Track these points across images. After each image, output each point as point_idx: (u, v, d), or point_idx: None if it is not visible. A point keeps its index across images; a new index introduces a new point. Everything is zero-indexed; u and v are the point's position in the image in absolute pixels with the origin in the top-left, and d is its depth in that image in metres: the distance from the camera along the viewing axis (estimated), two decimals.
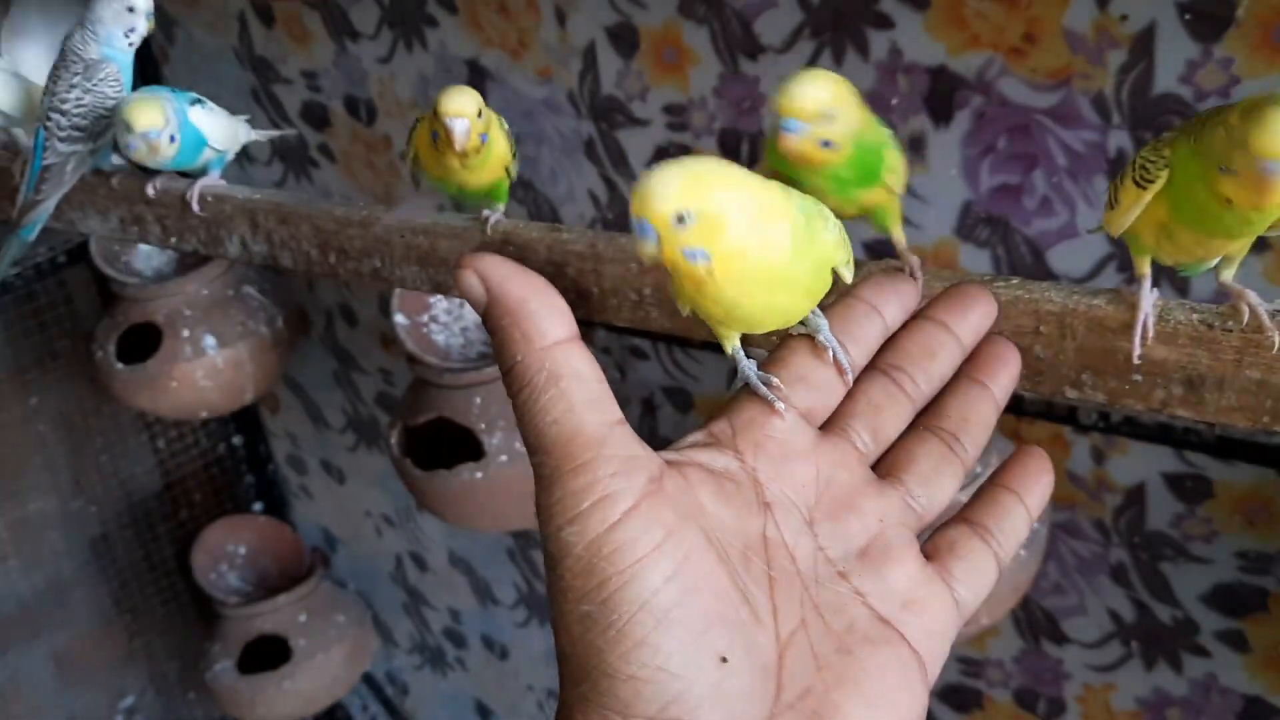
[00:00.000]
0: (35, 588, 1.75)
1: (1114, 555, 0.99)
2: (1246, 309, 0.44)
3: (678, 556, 0.33)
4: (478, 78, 1.16)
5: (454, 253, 0.70)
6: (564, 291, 0.37)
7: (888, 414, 0.41)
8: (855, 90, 0.49)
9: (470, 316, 1.30)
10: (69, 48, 0.82)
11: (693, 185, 0.37)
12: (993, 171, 0.89)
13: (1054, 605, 1.05)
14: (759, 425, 0.39)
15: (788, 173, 0.50)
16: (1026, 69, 0.83)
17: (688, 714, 0.32)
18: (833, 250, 0.40)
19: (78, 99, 0.82)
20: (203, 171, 0.83)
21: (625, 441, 0.35)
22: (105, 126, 0.83)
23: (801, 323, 0.41)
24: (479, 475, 1.17)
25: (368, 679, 1.89)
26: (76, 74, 0.82)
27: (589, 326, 0.83)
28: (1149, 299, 0.45)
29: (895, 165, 0.53)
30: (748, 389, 0.40)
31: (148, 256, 1.54)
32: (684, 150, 1.05)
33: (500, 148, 0.67)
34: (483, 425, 1.17)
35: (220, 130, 0.82)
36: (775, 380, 0.40)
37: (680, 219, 0.36)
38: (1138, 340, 0.45)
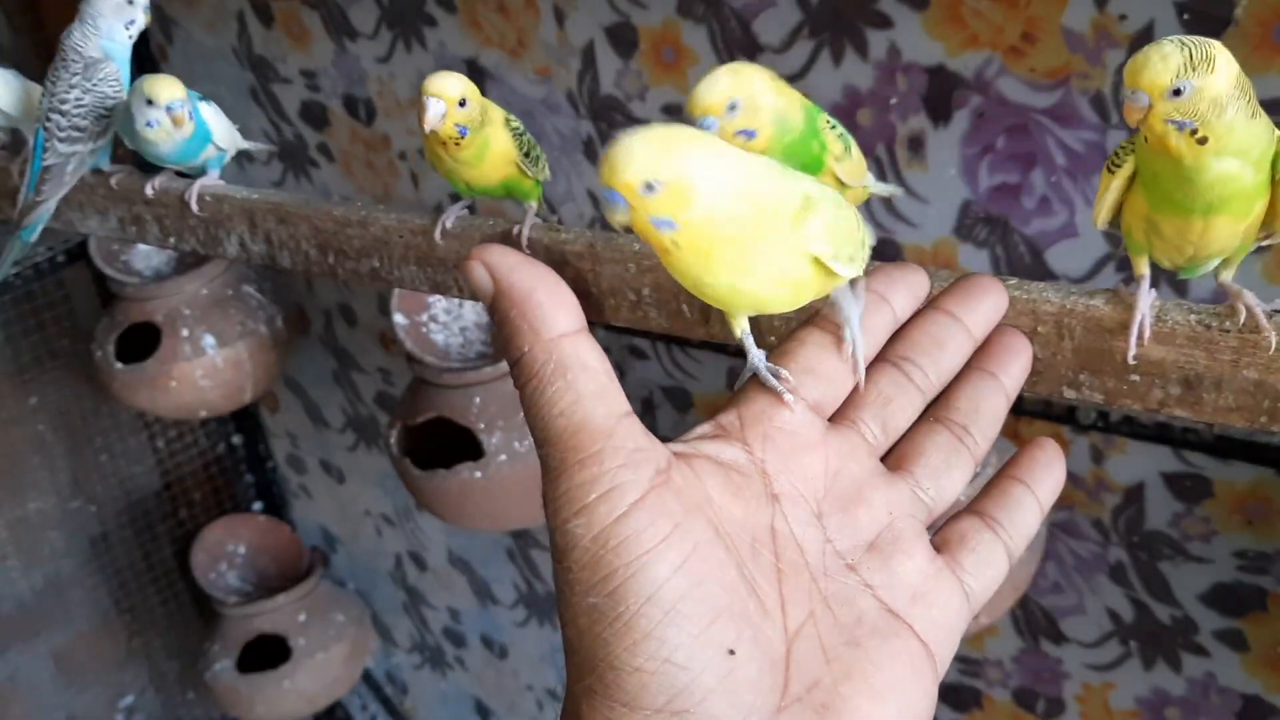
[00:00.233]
0: (35, 587, 1.75)
1: (1113, 555, 0.99)
2: (1244, 309, 0.44)
3: (685, 548, 0.33)
4: (477, 77, 1.16)
5: (452, 253, 0.70)
6: None
7: (897, 405, 0.41)
8: (775, 78, 0.49)
9: (469, 316, 1.30)
10: (68, 46, 0.82)
11: (662, 152, 0.36)
12: (991, 171, 0.89)
13: (1053, 605, 1.05)
14: (767, 417, 0.39)
15: None
16: (1025, 68, 0.83)
17: (695, 706, 0.32)
18: (814, 239, 0.38)
19: (77, 99, 0.82)
20: (201, 171, 0.83)
21: (632, 433, 0.35)
22: (105, 126, 0.83)
23: (831, 307, 0.41)
24: (478, 475, 1.17)
25: (367, 678, 1.89)
26: (76, 73, 0.82)
27: (588, 326, 0.82)
28: (1146, 299, 0.45)
29: (839, 150, 0.53)
30: (756, 380, 0.40)
31: (147, 256, 1.54)
32: None
33: (501, 145, 0.67)
34: (482, 425, 1.17)
35: (222, 128, 0.82)
36: (784, 372, 0.40)
37: (649, 187, 0.36)
38: (1133, 340, 0.45)
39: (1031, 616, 1.07)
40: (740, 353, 0.42)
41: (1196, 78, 0.40)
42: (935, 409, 0.42)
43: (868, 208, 0.90)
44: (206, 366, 1.43)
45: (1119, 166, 0.46)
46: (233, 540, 1.81)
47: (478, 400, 1.18)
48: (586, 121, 1.10)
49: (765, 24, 0.94)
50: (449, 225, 0.69)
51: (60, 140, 0.83)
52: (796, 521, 0.37)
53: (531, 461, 1.18)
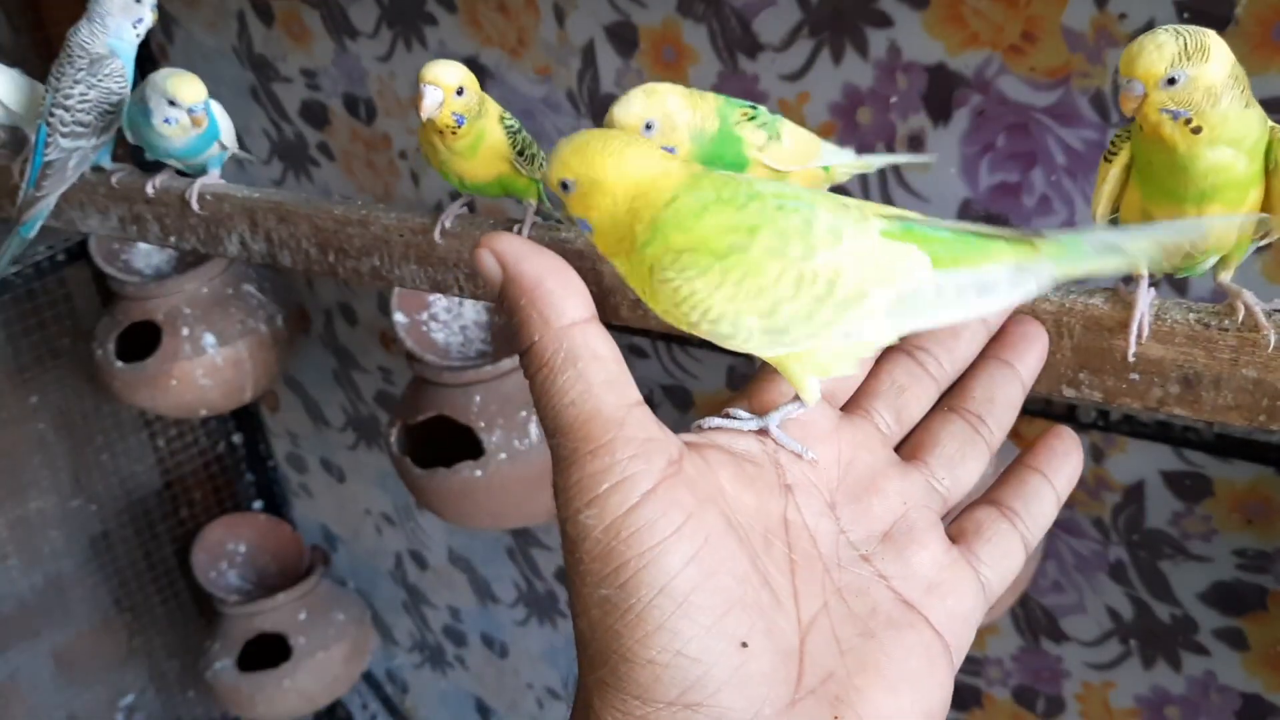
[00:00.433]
0: (35, 586, 1.75)
1: (1113, 553, 0.99)
2: (1242, 308, 0.44)
3: (697, 540, 0.33)
4: (477, 76, 1.16)
5: (452, 252, 0.70)
6: None
7: (911, 395, 0.41)
8: (688, 92, 0.50)
9: (470, 315, 1.30)
10: (74, 43, 0.82)
11: (576, 154, 0.37)
12: (992, 170, 0.89)
13: (1053, 603, 1.05)
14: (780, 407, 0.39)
15: None
16: (1025, 67, 0.83)
17: (707, 699, 0.32)
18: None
19: (82, 94, 0.82)
20: (202, 169, 0.83)
21: (644, 423, 0.34)
22: (109, 122, 0.83)
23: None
24: (478, 473, 1.17)
25: (368, 677, 1.89)
26: (81, 69, 0.82)
27: None
28: (1145, 298, 0.46)
29: (761, 140, 0.53)
30: (769, 369, 0.40)
31: (147, 255, 1.54)
32: None
33: (494, 139, 0.67)
34: (482, 423, 1.17)
35: (227, 127, 0.83)
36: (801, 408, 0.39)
37: (564, 186, 0.37)
38: (1132, 339, 0.45)
39: (1031, 615, 1.07)
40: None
41: (1191, 67, 0.40)
42: (950, 398, 0.42)
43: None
44: (207, 365, 1.43)
45: (1115, 155, 0.47)
46: (233, 539, 1.81)
47: (478, 399, 1.18)
48: (587, 121, 1.10)
49: (765, 23, 0.94)
50: (448, 225, 0.69)
51: (63, 135, 0.83)
52: (810, 512, 0.37)
53: (531, 460, 1.18)
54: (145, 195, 0.85)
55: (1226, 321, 0.44)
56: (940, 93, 0.88)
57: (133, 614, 1.86)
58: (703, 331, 0.38)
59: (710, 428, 0.39)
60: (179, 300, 1.43)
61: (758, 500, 0.36)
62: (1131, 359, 0.46)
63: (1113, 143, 0.47)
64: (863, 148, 0.94)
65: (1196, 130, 0.42)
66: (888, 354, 0.41)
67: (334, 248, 0.75)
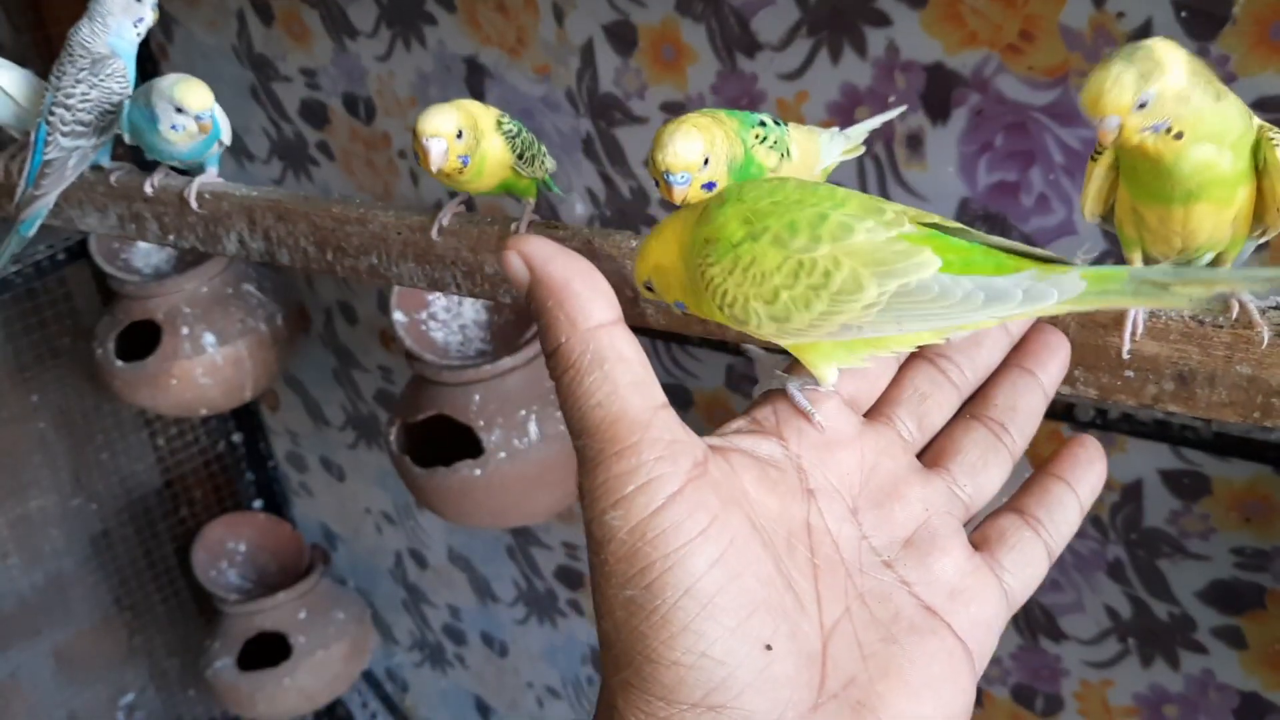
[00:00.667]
0: (36, 585, 1.76)
1: (1111, 552, 0.99)
2: (1237, 305, 0.44)
3: (722, 542, 0.33)
4: (476, 76, 1.16)
5: (450, 250, 0.70)
6: None
7: (933, 402, 0.41)
8: (719, 119, 0.51)
9: (469, 314, 1.30)
10: (75, 42, 0.82)
11: (639, 260, 0.44)
12: (990, 169, 0.89)
13: (1051, 602, 1.05)
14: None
15: None
16: (1023, 66, 0.83)
17: (731, 701, 0.32)
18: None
19: (83, 94, 0.82)
20: (200, 168, 0.83)
21: (669, 425, 0.34)
22: (110, 122, 0.84)
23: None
24: (477, 472, 1.17)
25: (368, 676, 1.89)
26: (83, 68, 0.82)
27: None
28: None
29: (774, 162, 0.54)
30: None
31: (147, 254, 1.54)
32: None
33: (496, 155, 0.67)
34: (481, 422, 1.18)
35: (226, 126, 0.83)
36: (824, 387, 0.40)
37: (649, 289, 0.45)
38: (1127, 335, 0.45)
39: (1030, 614, 1.07)
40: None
41: (1154, 84, 0.40)
42: (972, 406, 0.42)
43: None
44: (207, 364, 1.43)
45: (1100, 154, 0.47)
46: (233, 538, 1.82)
47: (477, 398, 1.18)
48: (586, 120, 1.10)
49: (764, 22, 0.94)
50: (445, 223, 0.69)
51: (63, 134, 0.83)
52: (832, 517, 0.37)
53: (531, 459, 1.18)
54: (144, 194, 0.85)
55: (1221, 318, 0.44)
56: (939, 92, 0.88)
57: (133, 613, 1.87)
58: (726, 318, 0.40)
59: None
60: (179, 299, 1.44)
61: (781, 504, 0.36)
62: (1126, 355, 0.46)
63: (1099, 142, 0.47)
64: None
65: (1179, 136, 0.42)
66: (910, 361, 0.41)
67: (332, 246, 0.75)
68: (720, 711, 0.32)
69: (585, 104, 1.09)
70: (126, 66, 0.83)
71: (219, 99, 0.83)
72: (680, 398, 1.21)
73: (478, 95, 1.18)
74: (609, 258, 0.60)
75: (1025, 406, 0.41)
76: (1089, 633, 1.04)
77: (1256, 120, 0.44)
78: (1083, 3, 0.79)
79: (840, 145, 0.63)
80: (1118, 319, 0.46)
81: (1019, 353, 0.43)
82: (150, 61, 1.47)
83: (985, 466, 0.40)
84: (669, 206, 1.09)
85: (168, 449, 1.84)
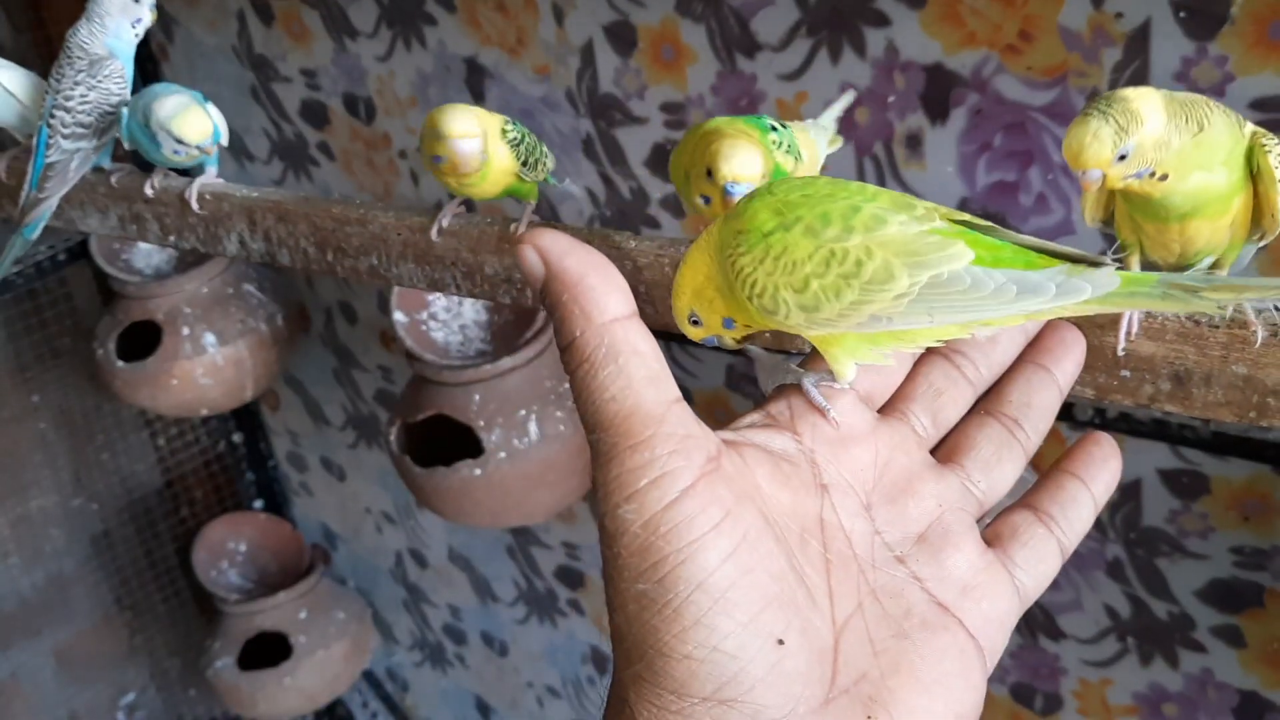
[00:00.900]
0: (36, 585, 1.76)
1: (1110, 551, 0.99)
2: (1232, 304, 0.44)
3: (735, 536, 0.33)
4: (476, 76, 1.16)
5: (450, 250, 0.70)
6: None
7: (948, 398, 0.41)
8: (745, 132, 0.53)
9: (469, 314, 1.30)
10: (74, 43, 0.82)
11: (675, 298, 0.43)
12: (989, 169, 0.89)
13: (1050, 601, 1.05)
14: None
15: None
16: (1022, 66, 0.84)
17: (743, 695, 0.32)
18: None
19: (82, 95, 0.82)
20: (199, 169, 0.83)
21: (683, 419, 0.34)
22: (110, 123, 0.84)
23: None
24: (478, 472, 1.17)
25: (368, 676, 1.89)
26: (81, 70, 0.82)
27: None
28: None
29: (790, 165, 0.56)
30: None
31: (147, 254, 1.54)
32: None
33: (501, 162, 0.67)
34: (482, 422, 1.18)
35: (224, 128, 0.83)
36: (838, 385, 0.39)
37: (694, 322, 0.44)
38: (1122, 335, 0.46)
39: (1029, 612, 1.07)
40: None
41: (1132, 138, 0.41)
42: (986, 402, 0.42)
43: None
44: (207, 364, 1.44)
45: None
46: (234, 538, 1.82)
47: (477, 398, 1.19)
48: (586, 120, 1.10)
49: (763, 22, 0.94)
50: (445, 224, 0.69)
51: (64, 137, 0.83)
52: (845, 512, 0.37)
53: (531, 459, 1.18)
54: (144, 195, 0.85)
55: (1216, 318, 0.44)
56: (938, 92, 0.88)
57: (134, 612, 1.87)
58: (755, 309, 0.39)
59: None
60: (179, 299, 1.44)
61: (794, 499, 0.36)
62: (1122, 355, 0.46)
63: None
64: (861, 147, 0.94)
65: (1164, 178, 0.42)
66: (925, 357, 0.41)
67: (332, 246, 0.75)
68: (732, 706, 0.32)
69: (585, 104, 1.09)
70: (125, 67, 0.83)
71: (219, 99, 0.83)
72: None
73: (478, 95, 1.18)
74: (608, 258, 0.60)
75: (1040, 403, 0.41)
76: (1088, 632, 1.04)
77: (1249, 127, 0.44)
78: (1081, 3, 0.79)
79: (824, 137, 0.64)
80: (1114, 318, 0.46)
81: (1034, 349, 0.42)
82: (150, 62, 1.47)
83: (999, 462, 0.40)
84: (670, 207, 1.09)
85: (168, 449, 1.84)
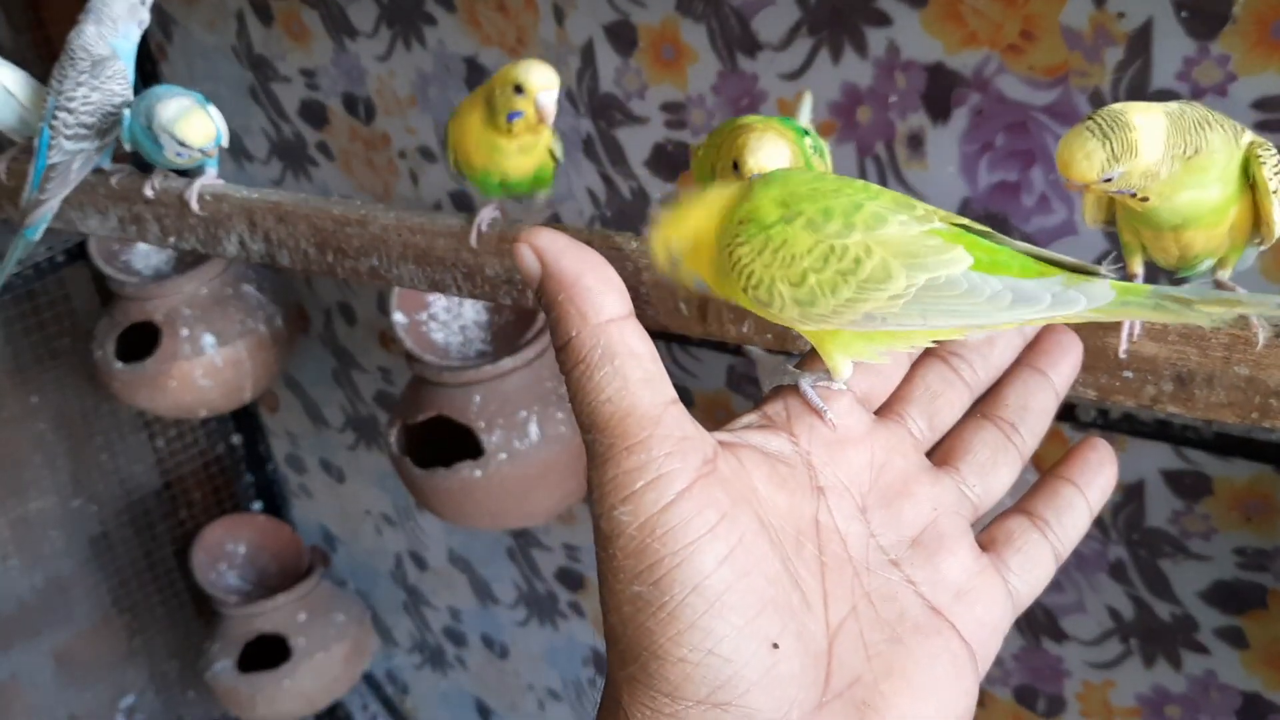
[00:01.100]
0: (35, 586, 1.75)
1: (1113, 552, 0.99)
2: None
3: (731, 540, 0.33)
4: (476, 75, 1.16)
5: (450, 251, 0.70)
6: None
7: (944, 401, 0.41)
8: (780, 130, 0.53)
9: (469, 315, 1.30)
10: (76, 45, 0.82)
11: (667, 229, 0.42)
12: (991, 168, 0.89)
13: (1053, 603, 1.05)
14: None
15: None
16: (1024, 66, 0.83)
17: (737, 699, 0.32)
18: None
19: (85, 96, 0.82)
20: (199, 170, 0.83)
21: (680, 421, 0.34)
22: (112, 124, 0.83)
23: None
24: (478, 473, 1.17)
25: (368, 678, 1.89)
26: (83, 71, 0.82)
27: None
28: None
29: (821, 166, 0.57)
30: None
31: (146, 255, 1.54)
32: (682, 148, 1.05)
33: (544, 134, 0.67)
34: (482, 423, 1.17)
35: (225, 129, 0.83)
36: (837, 385, 0.39)
37: (673, 261, 0.41)
38: (1125, 336, 0.45)
39: (1032, 614, 1.07)
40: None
41: (1121, 165, 0.41)
42: (983, 405, 0.41)
43: None
44: (206, 366, 1.43)
45: None
46: (233, 540, 1.81)
47: (477, 399, 1.18)
48: (586, 120, 1.10)
49: (764, 22, 0.94)
50: (485, 228, 0.69)
51: (66, 138, 0.83)
52: (841, 515, 0.37)
53: (531, 460, 1.18)
54: (144, 196, 0.85)
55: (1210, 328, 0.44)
56: (939, 92, 0.88)
57: (133, 614, 1.87)
58: (749, 299, 0.39)
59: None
60: (178, 300, 1.43)
61: (790, 501, 0.36)
62: (1124, 356, 0.46)
63: None
64: (863, 147, 0.94)
65: (1145, 200, 0.42)
66: (923, 359, 0.41)
67: (332, 247, 0.75)
68: (725, 709, 0.32)
69: (585, 104, 1.09)
70: (127, 68, 0.83)
71: (217, 99, 0.83)
72: (681, 398, 1.21)
73: None
74: (609, 258, 0.60)
75: (1037, 406, 0.41)
76: (1091, 633, 1.04)
77: (1246, 137, 0.44)
78: (1083, 2, 0.79)
79: (811, 129, 0.64)
80: (1117, 321, 0.46)
81: (1031, 352, 0.42)
82: (149, 62, 1.47)
83: (995, 467, 0.40)
84: None
85: (167, 450, 1.83)
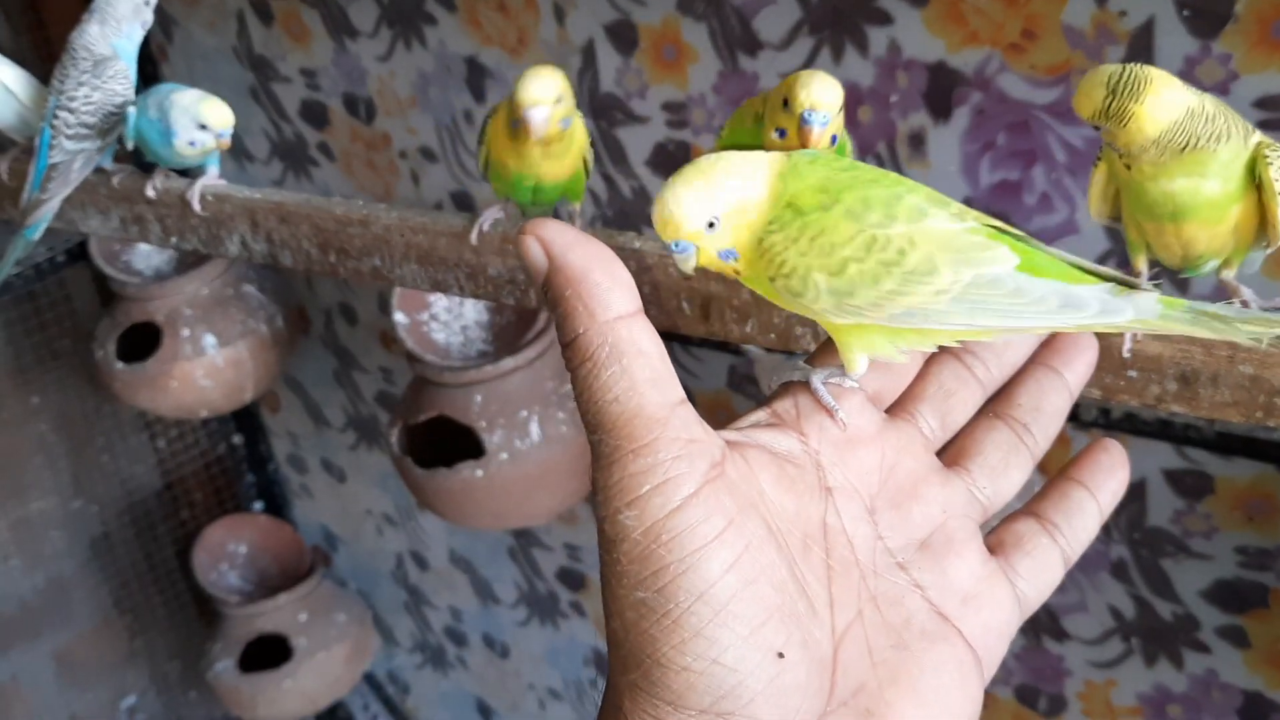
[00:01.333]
0: (36, 587, 1.75)
1: (1114, 552, 0.99)
2: (1238, 302, 0.44)
3: (738, 546, 0.32)
4: (476, 75, 1.16)
5: (453, 251, 0.70)
6: None
7: (957, 399, 0.40)
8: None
9: (470, 315, 1.30)
10: (78, 45, 0.82)
11: (694, 193, 0.38)
12: (992, 168, 0.89)
13: (1055, 602, 1.05)
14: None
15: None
16: (1025, 65, 0.83)
17: (741, 709, 0.31)
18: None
19: (86, 96, 0.82)
20: (201, 170, 0.83)
21: (688, 423, 0.34)
22: (114, 124, 0.83)
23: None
24: (479, 473, 1.17)
25: (369, 678, 1.89)
26: (85, 71, 0.82)
27: None
28: None
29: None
30: (828, 341, 0.40)
31: (147, 256, 1.54)
32: (683, 147, 1.05)
33: (581, 135, 0.66)
34: (483, 423, 1.17)
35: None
36: (848, 381, 0.39)
37: (710, 225, 0.38)
38: (1128, 336, 0.45)
39: (1034, 614, 1.07)
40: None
41: (1111, 124, 0.41)
42: (996, 404, 0.41)
43: None
44: (207, 366, 1.43)
45: (1100, 159, 0.47)
46: (234, 540, 1.81)
47: (479, 399, 1.18)
48: (587, 120, 1.10)
49: (765, 21, 0.94)
50: (486, 228, 0.68)
51: (68, 138, 0.83)
52: (849, 517, 0.36)
53: (532, 460, 1.18)
54: (146, 196, 0.85)
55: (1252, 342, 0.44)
56: (941, 91, 0.88)
57: (134, 615, 1.86)
58: (779, 288, 0.38)
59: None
60: (179, 301, 1.43)
61: (798, 504, 0.35)
62: (1127, 355, 0.46)
63: (1102, 147, 0.47)
64: (864, 146, 0.94)
65: (1127, 166, 0.42)
66: (936, 356, 0.41)
67: (335, 248, 0.75)
68: (728, 718, 0.32)
69: (586, 104, 1.09)
70: (129, 68, 0.83)
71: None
72: None
73: (478, 95, 1.18)
74: None
75: (1049, 407, 0.41)
76: (1092, 633, 1.04)
77: (1255, 137, 0.43)
78: (1085, 1, 0.79)
79: None
80: None
81: (1046, 350, 0.42)
82: (149, 63, 1.47)
83: (1006, 469, 0.40)
84: None
85: (168, 451, 1.83)
